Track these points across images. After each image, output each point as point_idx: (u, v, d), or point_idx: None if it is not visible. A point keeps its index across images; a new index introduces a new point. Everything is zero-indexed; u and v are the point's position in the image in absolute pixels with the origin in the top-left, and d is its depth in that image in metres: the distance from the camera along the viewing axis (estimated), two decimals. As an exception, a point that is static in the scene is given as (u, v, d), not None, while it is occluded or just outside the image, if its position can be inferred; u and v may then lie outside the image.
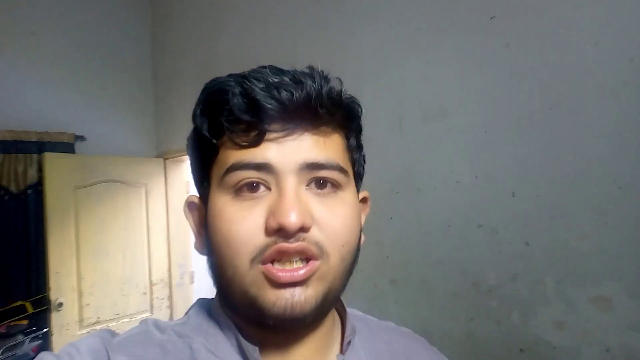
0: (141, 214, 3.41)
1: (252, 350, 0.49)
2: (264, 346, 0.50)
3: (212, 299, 0.57)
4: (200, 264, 3.75)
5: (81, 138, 3.27)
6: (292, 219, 0.45)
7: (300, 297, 0.46)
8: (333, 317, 0.56)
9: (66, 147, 3.15)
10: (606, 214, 1.42)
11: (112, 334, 0.51)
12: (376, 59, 2.01)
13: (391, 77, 1.93)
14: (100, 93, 3.43)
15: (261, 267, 0.46)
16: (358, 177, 0.55)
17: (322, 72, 0.49)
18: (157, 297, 3.44)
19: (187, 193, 3.68)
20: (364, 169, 0.57)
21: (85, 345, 0.47)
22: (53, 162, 3.00)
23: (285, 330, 0.49)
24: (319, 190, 0.48)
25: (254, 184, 0.47)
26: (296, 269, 0.46)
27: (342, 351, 0.54)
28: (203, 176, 0.52)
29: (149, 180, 3.46)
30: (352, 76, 1.97)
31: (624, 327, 1.38)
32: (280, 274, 0.45)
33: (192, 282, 3.68)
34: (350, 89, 0.52)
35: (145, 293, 3.38)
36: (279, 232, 0.45)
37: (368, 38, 2.05)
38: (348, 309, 0.58)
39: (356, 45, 2.09)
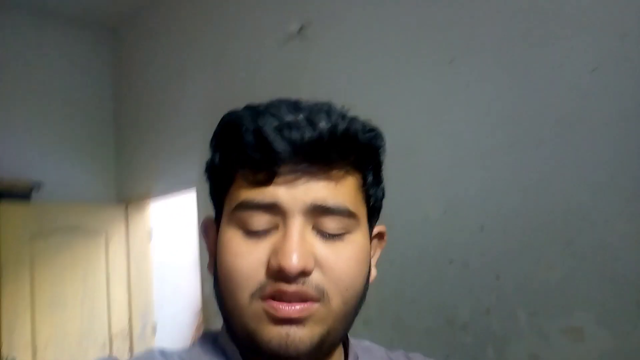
0: (100, 264, 3.27)
1: None
2: None
3: (219, 330, 0.56)
4: (163, 314, 3.60)
5: (38, 185, 3.15)
6: (293, 262, 0.45)
7: (295, 337, 0.46)
8: (340, 348, 0.55)
9: (22, 195, 3.03)
10: (571, 244, 1.46)
11: None
12: (341, 99, 2.04)
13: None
14: (57, 138, 3.35)
15: (261, 302, 0.47)
16: (374, 212, 0.55)
17: (340, 110, 0.49)
18: (117, 350, 3.26)
19: (150, 240, 3.57)
20: (382, 202, 0.56)
21: None
22: (7, 211, 2.87)
23: None
24: (326, 233, 0.48)
25: (263, 228, 0.48)
26: (293, 304, 0.46)
27: None
28: (217, 203, 0.54)
29: (109, 228, 3.35)
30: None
31: (595, 356, 1.40)
32: (278, 308, 0.46)
33: (154, 333, 3.52)
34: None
35: (104, 346, 3.20)
36: (279, 273, 0.45)
37: (333, 78, 2.10)
38: (354, 339, 0.59)
39: (322, 85, 2.13)
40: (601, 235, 1.41)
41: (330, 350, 0.52)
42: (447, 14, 1.75)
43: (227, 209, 0.51)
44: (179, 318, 3.71)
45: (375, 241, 0.57)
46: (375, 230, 0.57)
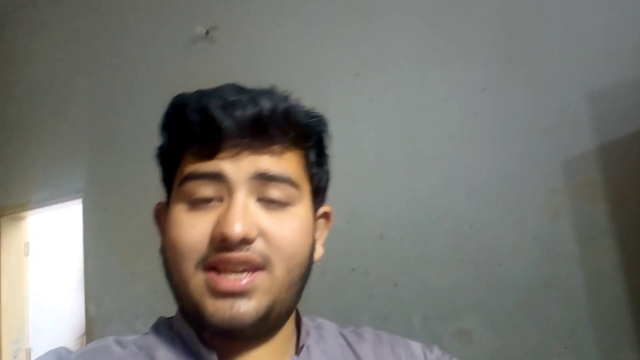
0: (-36, 282, 2.88)
1: (210, 354, 0.50)
2: (222, 352, 0.51)
3: (173, 316, 0.57)
4: (40, 339, 3.24)
5: None
6: (235, 230, 0.46)
7: (239, 309, 0.47)
8: (292, 324, 0.57)
9: None
10: (462, 251, 1.56)
11: (69, 351, 0.52)
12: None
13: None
14: None
15: (203, 274, 0.48)
16: (318, 192, 0.58)
17: (283, 92, 0.53)
18: (-20, 383, 2.87)
19: (27, 255, 3.22)
20: (326, 183, 0.60)
21: None
22: None
23: (236, 338, 0.51)
24: (270, 204, 0.50)
25: (208, 196, 0.50)
26: (239, 280, 0.47)
27: (297, 353, 0.56)
28: (168, 184, 0.56)
29: (-24, 242, 2.97)
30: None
31: (483, 356, 1.49)
32: (221, 282, 0.47)
33: (27, 361, 3.15)
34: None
35: (-35, 378, 2.80)
36: (223, 242, 0.47)
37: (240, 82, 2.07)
38: (307, 317, 0.61)
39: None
40: (487, 243, 1.52)
41: (278, 322, 0.53)
42: (354, 28, 1.82)
43: (175, 186, 0.53)
44: (59, 344, 3.37)
45: (322, 221, 0.61)
46: (322, 210, 0.60)
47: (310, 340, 0.58)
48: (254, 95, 0.50)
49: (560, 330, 1.42)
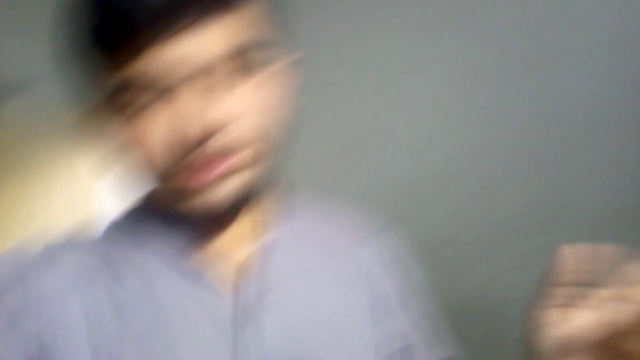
0: None
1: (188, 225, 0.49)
2: (201, 228, 0.50)
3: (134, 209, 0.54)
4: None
5: None
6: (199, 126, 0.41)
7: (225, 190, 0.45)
8: (271, 200, 0.56)
9: None
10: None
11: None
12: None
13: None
14: None
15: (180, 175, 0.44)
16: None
17: None
18: None
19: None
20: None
21: None
22: None
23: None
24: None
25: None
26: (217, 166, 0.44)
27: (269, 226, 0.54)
28: (87, 88, 0.48)
29: None
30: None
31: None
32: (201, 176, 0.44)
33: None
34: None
35: None
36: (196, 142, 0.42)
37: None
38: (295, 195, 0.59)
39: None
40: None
41: (254, 193, 0.50)
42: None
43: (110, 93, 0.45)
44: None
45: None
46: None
47: (285, 232, 0.55)
48: None
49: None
